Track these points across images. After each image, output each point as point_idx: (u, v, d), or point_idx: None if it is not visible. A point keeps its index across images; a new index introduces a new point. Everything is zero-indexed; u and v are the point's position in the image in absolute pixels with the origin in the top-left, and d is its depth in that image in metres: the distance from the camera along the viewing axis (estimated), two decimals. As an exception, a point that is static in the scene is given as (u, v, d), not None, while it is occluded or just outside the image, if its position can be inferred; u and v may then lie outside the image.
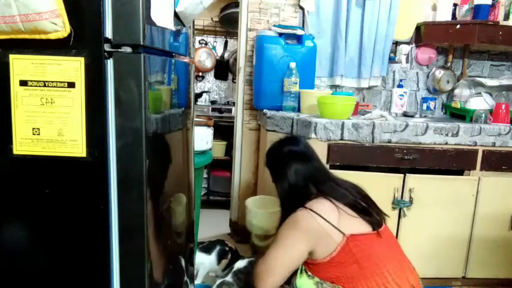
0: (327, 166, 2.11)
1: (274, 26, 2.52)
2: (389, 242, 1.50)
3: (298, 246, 1.43)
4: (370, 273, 1.38)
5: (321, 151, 2.03)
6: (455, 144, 2.19)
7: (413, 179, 2.17)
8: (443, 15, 2.65)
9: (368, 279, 1.38)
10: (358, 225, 1.44)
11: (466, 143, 2.20)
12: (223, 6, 3.68)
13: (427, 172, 2.19)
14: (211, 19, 3.81)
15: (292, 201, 1.53)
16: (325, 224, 1.41)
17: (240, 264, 2.00)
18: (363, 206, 1.50)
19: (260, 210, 2.22)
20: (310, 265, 1.47)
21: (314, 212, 1.43)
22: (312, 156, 1.63)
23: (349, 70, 2.70)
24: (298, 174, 1.55)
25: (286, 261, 1.46)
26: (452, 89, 2.81)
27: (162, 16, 1.06)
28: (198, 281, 2.19)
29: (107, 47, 0.97)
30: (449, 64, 2.79)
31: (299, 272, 1.50)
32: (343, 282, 1.40)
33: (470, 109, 2.53)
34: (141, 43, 0.98)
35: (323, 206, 1.45)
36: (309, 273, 1.47)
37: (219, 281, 1.93)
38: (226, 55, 3.98)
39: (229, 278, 1.93)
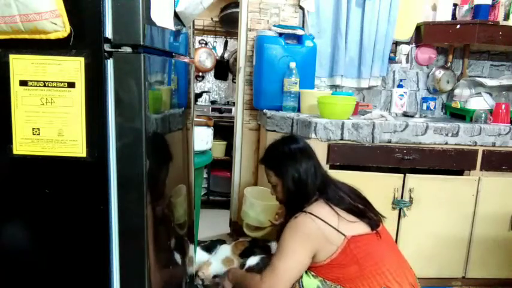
0: (327, 166, 2.11)
1: (274, 26, 2.52)
2: (388, 242, 1.52)
3: (304, 253, 1.45)
4: (370, 273, 1.40)
5: (321, 151, 2.03)
6: (455, 144, 2.19)
7: (413, 179, 2.17)
8: (443, 15, 2.65)
9: (369, 279, 1.39)
10: (357, 227, 1.46)
11: (466, 143, 2.20)
12: (223, 6, 3.68)
13: (427, 172, 2.19)
14: (211, 19, 3.81)
15: (296, 199, 1.54)
16: (326, 226, 1.43)
17: (252, 261, 1.96)
18: (360, 208, 1.51)
19: (257, 201, 2.17)
20: (312, 267, 1.49)
21: (314, 215, 1.44)
22: (314, 154, 1.63)
23: (349, 70, 2.70)
24: (305, 171, 1.54)
25: (295, 271, 1.46)
26: (452, 89, 2.81)
27: (162, 16, 1.06)
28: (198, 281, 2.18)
29: (107, 47, 0.97)
30: (449, 64, 2.79)
31: (304, 272, 1.51)
32: (344, 282, 1.42)
33: (470, 109, 2.52)
34: (141, 43, 0.98)
35: (323, 210, 1.46)
36: (313, 273, 1.49)
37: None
38: (226, 55, 3.98)
39: None
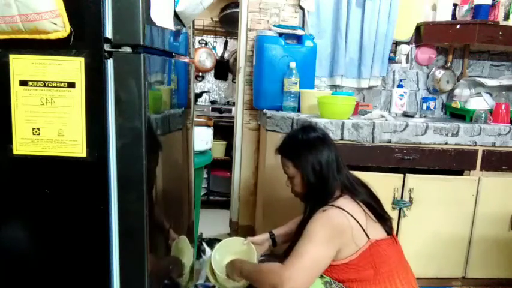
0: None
1: (274, 26, 2.52)
2: (398, 246, 1.49)
3: (333, 247, 1.34)
4: (383, 279, 1.36)
5: (321, 151, 2.03)
6: (455, 144, 2.19)
7: (413, 179, 2.17)
8: (443, 15, 2.65)
9: (380, 284, 1.36)
10: (379, 230, 1.40)
11: (466, 143, 2.20)
12: (223, 6, 3.68)
13: (427, 172, 2.19)
14: (211, 19, 3.81)
15: (318, 192, 1.44)
16: (355, 224, 1.35)
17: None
18: (377, 209, 1.45)
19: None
20: None
21: (345, 211, 1.35)
22: (335, 146, 1.52)
23: (349, 70, 2.70)
24: (326, 161, 1.44)
25: (321, 265, 1.34)
26: (452, 89, 2.81)
27: (162, 16, 1.06)
28: (200, 281, 2.19)
29: (107, 47, 0.97)
30: (449, 64, 2.79)
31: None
32: (354, 285, 1.38)
33: (470, 109, 2.52)
34: (141, 43, 0.98)
35: (353, 207, 1.38)
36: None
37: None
38: (226, 55, 3.98)
39: None
